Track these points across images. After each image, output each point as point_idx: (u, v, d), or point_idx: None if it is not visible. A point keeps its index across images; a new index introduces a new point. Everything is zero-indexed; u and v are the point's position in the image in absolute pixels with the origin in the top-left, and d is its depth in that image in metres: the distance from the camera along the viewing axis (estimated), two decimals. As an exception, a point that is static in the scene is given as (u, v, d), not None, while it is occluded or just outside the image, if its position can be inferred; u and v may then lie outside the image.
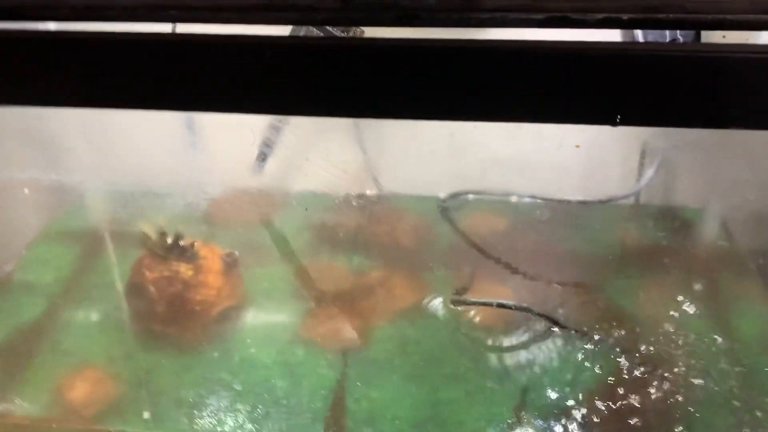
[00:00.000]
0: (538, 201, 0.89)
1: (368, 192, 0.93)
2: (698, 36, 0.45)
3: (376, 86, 0.38)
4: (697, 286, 0.80)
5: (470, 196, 0.92)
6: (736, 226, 0.85)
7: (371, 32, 0.47)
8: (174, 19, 0.40)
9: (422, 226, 0.93)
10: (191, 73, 0.43)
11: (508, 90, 0.36)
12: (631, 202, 0.89)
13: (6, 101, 0.47)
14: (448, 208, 0.92)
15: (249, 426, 0.65)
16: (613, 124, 0.36)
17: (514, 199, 0.91)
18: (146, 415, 0.68)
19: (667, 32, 0.47)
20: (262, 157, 0.83)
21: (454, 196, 0.93)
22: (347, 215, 0.93)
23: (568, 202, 0.88)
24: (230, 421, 0.66)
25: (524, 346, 0.73)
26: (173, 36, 0.44)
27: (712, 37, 0.42)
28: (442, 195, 0.93)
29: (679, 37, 0.46)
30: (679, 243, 0.86)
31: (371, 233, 0.92)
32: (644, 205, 0.89)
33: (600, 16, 0.39)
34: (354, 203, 0.93)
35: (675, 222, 0.88)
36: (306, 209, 0.84)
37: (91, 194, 0.94)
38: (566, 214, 0.89)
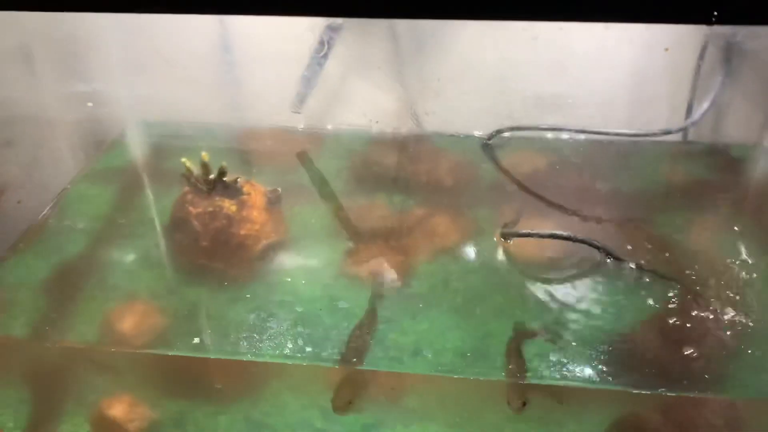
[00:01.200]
0: (583, 137, 0.87)
1: (409, 130, 0.92)
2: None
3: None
4: (747, 222, 0.78)
5: (513, 134, 0.91)
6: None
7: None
8: None
9: (464, 164, 0.92)
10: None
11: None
12: (679, 138, 0.87)
13: (52, 8, 0.47)
14: (490, 146, 0.91)
15: (309, 348, 0.66)
16: (709, 23, 0.34)
17: (559, 135, 0.89)
18: (196, 340, 0.68)
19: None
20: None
21: (497, 133, 0.91)
22: (387, 153, 0.92)
23: (614, 136, 0.86)
24: (289, 344, 0.66)
25: (573, 278, 0.72)
26: None
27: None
28: (484, 133, 0.92)
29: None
30: (729, 179, 0.85)
31: (412, 172, 0.91)
32: (692, 141, 0.87)
33: None
34: (394, 141, 0.92)
35: (724, 159, 0.86)
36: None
37: (132, 128, 0.94)
38: (612, 150, 0.87)
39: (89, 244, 0.82)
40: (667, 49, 0.68)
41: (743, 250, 0.74)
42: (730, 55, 0.76)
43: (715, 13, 0.34)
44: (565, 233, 0.72)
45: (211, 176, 0.79)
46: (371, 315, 0.71)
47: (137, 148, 0.96)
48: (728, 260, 0.73)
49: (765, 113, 0.84)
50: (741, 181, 0.86)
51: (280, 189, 0.83)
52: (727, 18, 0.34)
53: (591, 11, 0.35)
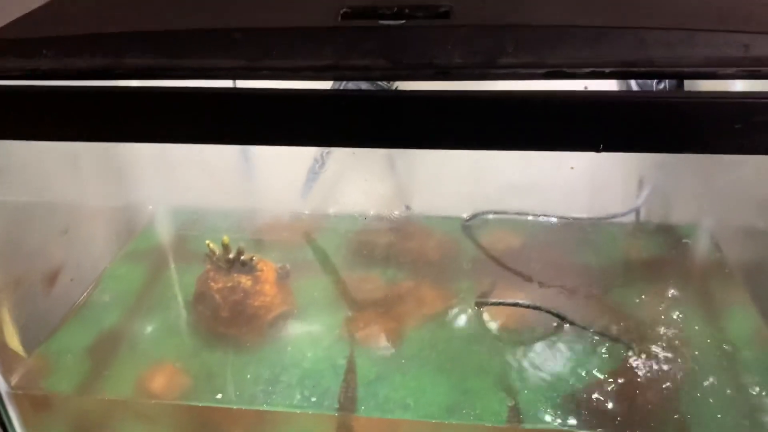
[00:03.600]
0: (550, 219, 1.01)
1: (399, 213, 1.06)
2: (681, 84, 0.57)
3: (420, 124, 0.52)
4: (691, 293, 0.91)
5: (489, 216, 1.05)
6: (724, 239, 0.97)
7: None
8: (267, 77, 0.54)
9: (447, 242, 1.05)
10: (262, 116, 0.56)
11: (520, 126, 0.49)
12: (632, 219, 1.01)
13: (119, 139, 0.61)
14: (469, 226, 1.05)
15: (313, 399, 0.79)
16: (597, 150, 0.48)
17: (528, 218, 1.03)
18: (219, 396, 0.80)
19: (654, 82, 0.60)
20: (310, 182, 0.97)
21: (475, 216, 1.05)
22: (381, 234, 1.05)
23: (576, 219, 1.00)
24: (297, 395, 0.78)
25: (537, 340, 0.85)
26: (248, 90, 0.57)
27: (694, 85, 0.55)
28: (464, 215, 1.06)
29: (666, 85, 0.59)
30: (676, 255, 0.98)
31: (402, 249, 1.05)
32: (643, 222, 1.02)
33: (587, 69, 0.53)
34: (386, 223, 1.06)
35: (671, 236, 1.00)
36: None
37: (160, 218, 1.09)
38: (574, 230, 1.01)
39: (124, 316, 0.94)
40: (572, 168, 0.83)
41: (687, 315, 0.87)
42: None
43: (601, 145, 0.49)
44: (527, 302, 0.85)
45: (231, 255, 0.93)
46: (351, 367, 0.83)
47: (164, 232, 1.10)
48: (675, 326, 0.86)
49: (700, 199, 0.98)
50: (685, 255, 0.99)
51: (288, 265, 0.97)
52: (611, 148, 0.49)
53: (515, 143, 0.50)
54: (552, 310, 0.84)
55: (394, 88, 0.68)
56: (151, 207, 1.10)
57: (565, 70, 0.52)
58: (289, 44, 0.55)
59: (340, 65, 0.54)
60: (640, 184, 1.01)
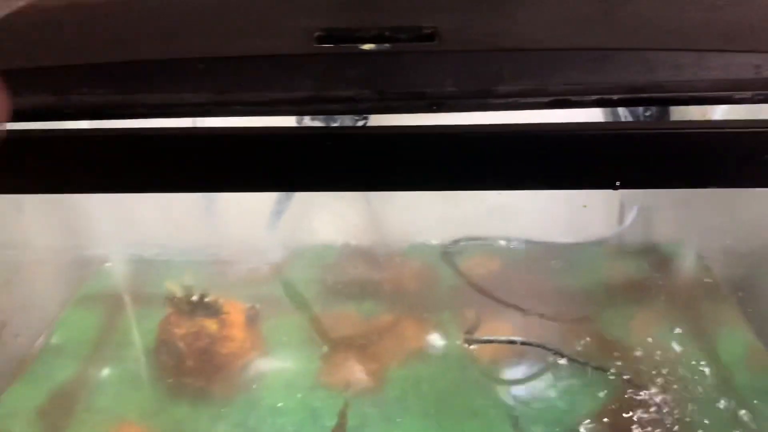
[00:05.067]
0: (531, 244, 0.97)
1: (374, 242, 1.00)
2: (666, 112, 0.53)
3: (411, 164, 0.46)
4: (681, 315, 0.88)
5: (468, 242, 1.00)
6: (710, 258, 0.94)
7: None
8: (238, 113, 0.48)
9: (425, 271, 1.00)
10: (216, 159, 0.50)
11: (526, 165, 0.44)
12: (615, 241, 0.98)
13: (62, 191, 0.54)
14: (449, 253, 0.99)
15: None
16: (614, 188, 0.44)
17: (508, 243, 0.99)
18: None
19: (641, 109, 0.56)
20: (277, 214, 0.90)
21: (454, 242, 1.00)
22: (355, 264, 0.99)
23: (558, 244, 0.96)
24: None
25: (531, 378, 0.80)
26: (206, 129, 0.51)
27: (677, 111, 0.51)
28: (442, 242, 1.01)
29: (651, 111, 0.55)
30: (662, 276, 0.95)
31: (378, 280, 0.99)
32: (627, 244, 0.98)
33: (595, 97, 0.48)
34: (361, 253, 1.00)
35: (656, 258, 0.97)
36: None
37: (116, 261, 1.00)
38: (556, 255, 0.97)
39: (80, 369, 0.86)
40: (585, 206, 0.79)
41: (678, 339, 0.84)
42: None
43: (618, 182, 0.44)
44: (520, 339, 0.80)
45: (194, 297, 0.86)
46: (342, 423, 0.77)
47: (120, 275, 1.02)
48: (665, 351, 0.82)
49: (684, 216, 0.96)
50: (670, 275, 0.97)
51: (258, 305, 0.90)
52: (627, 185, 0.44)
53: (523, 183, 0.45)
54: (547, 346, 0.79)
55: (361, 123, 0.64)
56: (104, 249, 1.01)
57: (570, 98, 0.47)
58: (262, 75, 0.49)
59: (322, 97, 0.48)
60: (622, 204, 0.97)
